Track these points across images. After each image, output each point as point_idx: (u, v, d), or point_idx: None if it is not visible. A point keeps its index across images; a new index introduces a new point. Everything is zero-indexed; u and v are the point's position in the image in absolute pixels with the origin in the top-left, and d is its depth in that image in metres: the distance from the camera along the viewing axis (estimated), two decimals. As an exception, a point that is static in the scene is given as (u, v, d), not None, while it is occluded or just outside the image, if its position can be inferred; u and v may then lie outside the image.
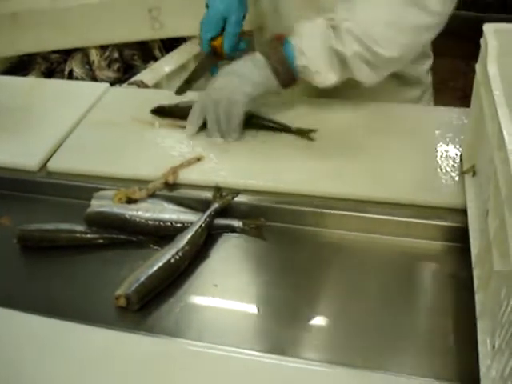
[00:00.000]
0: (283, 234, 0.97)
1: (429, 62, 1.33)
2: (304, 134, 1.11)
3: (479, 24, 1.20)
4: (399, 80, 1.25)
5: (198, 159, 1.06)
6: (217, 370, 0.74)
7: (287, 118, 1.15)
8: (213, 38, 1.18)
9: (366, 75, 1.08)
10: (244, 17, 1.20)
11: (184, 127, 1.14)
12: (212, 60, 1.21)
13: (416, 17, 1.04)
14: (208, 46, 1.19)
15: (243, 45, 1.21)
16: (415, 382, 0.73)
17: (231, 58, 1.17)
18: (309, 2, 1.17)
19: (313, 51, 1.06)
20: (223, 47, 1.17)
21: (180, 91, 1.22)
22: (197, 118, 1.13)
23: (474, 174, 0.92)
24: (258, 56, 1.10)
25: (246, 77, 1.09)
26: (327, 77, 1.07)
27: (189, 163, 1.05)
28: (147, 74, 1.62)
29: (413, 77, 1.29)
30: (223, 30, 1.17)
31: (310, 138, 1.10)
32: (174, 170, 1.03)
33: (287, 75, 1.08)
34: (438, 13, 1.05)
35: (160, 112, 1.21)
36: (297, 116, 1.15)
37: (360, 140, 1.09)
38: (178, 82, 1.66)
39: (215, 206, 0.96)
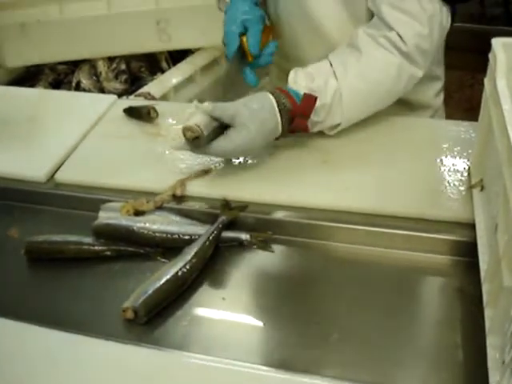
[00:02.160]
0: (291, 247, 0.97)
1: (438, 85, 1.33)
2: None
3: (485, 37, 1.20)
4: (406, 106, 1.25)
5: (206, 172, 1.06)
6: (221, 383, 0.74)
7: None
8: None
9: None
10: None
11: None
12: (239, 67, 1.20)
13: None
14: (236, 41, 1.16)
15: (272, 49, 1.19)
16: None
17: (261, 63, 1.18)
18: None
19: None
20: (249, 47, 1.16)
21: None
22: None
23: (483, 188, 0.92)
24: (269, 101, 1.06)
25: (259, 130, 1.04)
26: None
27: (196, 175, 1.05)
28: (154, 86, 1.62)
29: (420, 102, 1.29)
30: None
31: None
32: (182, 183, 1.03)
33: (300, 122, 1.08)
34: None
35: (130, 112, 1.25)
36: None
37: (368, 153, 1.09)
38: (185, 93, 1.69)
39: (223, 218, 0.96)
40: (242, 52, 1.17)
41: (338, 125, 1.10)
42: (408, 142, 1.12)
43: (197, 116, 1.02)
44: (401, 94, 1.14)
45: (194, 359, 0.78)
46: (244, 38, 1.16)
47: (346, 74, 1.07)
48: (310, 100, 1.05)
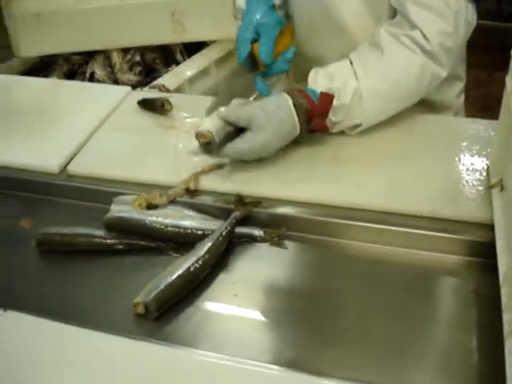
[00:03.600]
0: (304, 245, 0.96)
1: (460, 85, 1.30)
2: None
3: (502, 34, 1.18)
4: (427, 106, 1.22)
5: (220, 166, 1.05)
6: (232, 382, 0.73)
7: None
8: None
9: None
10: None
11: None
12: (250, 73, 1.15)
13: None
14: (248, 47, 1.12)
15: (290, 55, 1.14)
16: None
17: (275, 71, 1.14)
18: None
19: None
20: (261, 56, 1.10)
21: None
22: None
23: (502, 188, 0.90)
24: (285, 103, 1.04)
25: (276, 131, 1.03)
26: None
27: (210, 169, 1.04)
28: (169, 78, 1.61)
29: (441, 102, 1.26)
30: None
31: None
32: (196, 177, 1.02)
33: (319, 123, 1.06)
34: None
35: (144, 104, 1.24)
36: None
37: (383, 150, 1.08)
38: (200, 86, 1.68)
39: (237, 214, 0.95)
40: (253, 59, 1.12)
41: (359, 125, 1.09)
42: (425, 139, 1.10)
43: (210, 120, 1.01)
44: (423, 94, 1.12)
45: (204, 357, 0.76)
46: (256, 46, 1.10)
47: (366, 74, 1.06)
48: (327, 98, 1.04)
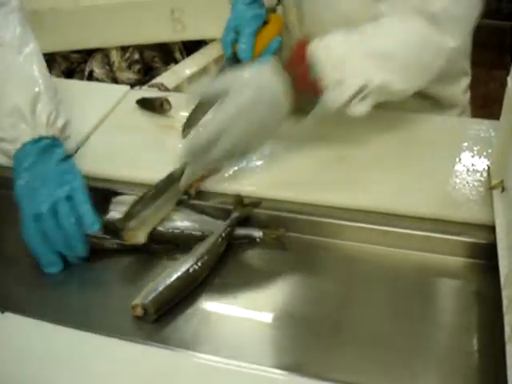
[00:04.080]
0: (305, 246, 0.95)
1: (466, 81, 1.27)
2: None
3: (502, 33, 1.17)
4: (433, 103, 1.21)
5: (218, 169, 1.03)
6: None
7: (314, 127, 1.12)
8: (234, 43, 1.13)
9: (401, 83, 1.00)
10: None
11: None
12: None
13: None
14: (229, 49, 1.13)
15: (275, 45, 1.13)
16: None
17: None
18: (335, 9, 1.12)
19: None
20: (238, 53, 1.11)
21: None
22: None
23: (503, 189, 0.90)
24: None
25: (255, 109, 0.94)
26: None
27: (208, 174, 1.02)
28: (168, 77, 1.61)
29: (448, 98, 1.24)
30: None
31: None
32: (197, 184, 1.01)
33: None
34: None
35: (142, 103, 1.23)
36: (324, 125, 1.13)
37: (385, 151, 1.07)
38: (199, 84, 1.67)
39: (236, 215, 0.94)
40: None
41: (363, 89, 0.97)
42: (426, 140, 1.09)
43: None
44: (429, 69, 1.02)
45: (204, 360, 0.76)
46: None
47: (360, 39, 0.98)
48: (300, 45, 0.96)
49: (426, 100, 1.16)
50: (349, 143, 1.09)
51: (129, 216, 0.92)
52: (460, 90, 1.26)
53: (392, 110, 1.15)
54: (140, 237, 0.91)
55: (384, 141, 1.09)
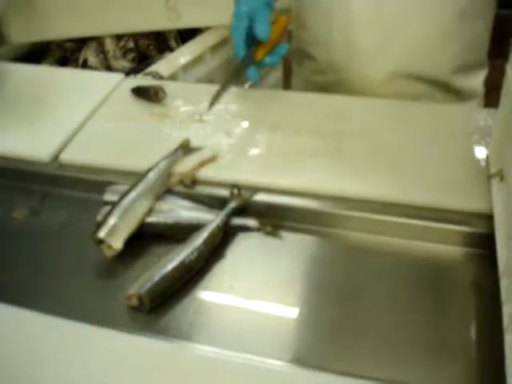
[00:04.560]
0: (301, 235, 0.94)
1: (485, 72, 1.28)
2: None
3: (501, 21, 1.16)
4: (455, 95, 1.21)
5: (214, 157, 1.03)
6: (230, 377, 0.72)
7: (312, 116, 1.12)
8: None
9: None
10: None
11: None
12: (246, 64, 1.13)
13: None
14: (243, 47, 1.11)
15: (284, 49, 1.13)
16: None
17: (269, 63, 1.13)
18: None
19: None
20: (258, 34, 1.08)
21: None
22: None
23: (502, 178, 0.89)
24: None
25: None
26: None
27: (204, 163, 1.02)
28: (163, 65, 1.58)
29: (469, 90, 1.24)
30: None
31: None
32: (192, 173, 0.99)
33: None
34: None
35: (137, 92, 1.22)
36: (322, 114, 1.12)
37: (382, 140, 1.06)
38: (194, 73, 1.66)
39: (232, 204, 0.93)
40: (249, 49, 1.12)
41: None
42: (424, 128, 1.08)
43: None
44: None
45: (200, 350, 0.75)
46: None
47: None
48: None
49: (449, 92, 1.16)
50: (347, 132, 1.08)
51: (98, 227, 0.90)
52: (481, 81, 1.27)
53: (389, 98, 1.15)
54: (115, 246, 0.89)
55: (382, 129, 1.08)
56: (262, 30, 1.08)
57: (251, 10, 1.09)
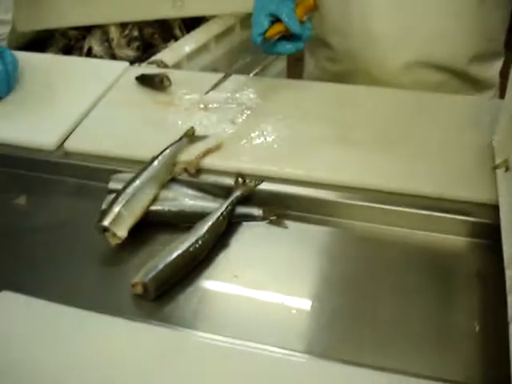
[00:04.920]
0: (306, 224, 0.94)
1: (501, 62, 1.27)
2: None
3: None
4: (472, 84, 1.20)
5: (219, 146, 1.03)
6: (233, 364, 0.72)
7: (318, 104, 1.11)
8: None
9: None
10: None
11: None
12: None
13: None
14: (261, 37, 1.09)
15: (308, 30, 1.10)
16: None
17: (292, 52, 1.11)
18: None
19: None
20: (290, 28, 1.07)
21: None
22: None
23: (507, 169, 0.88)
24: None
25: None
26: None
27: (209, 152, 1.01)
28: (167, 54, 1.58)
29: (486, 79, 1.23)
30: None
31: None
32: (197, 161, 0.99)
33: None
34: None
35: (142, 80, 1.21)
36: (329, 103, 1.12)
37: (388, 130, 1.05)
38: (199, 62, 1.66)
39: (237, 193, 0.93)
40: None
41: None
42: (429, 118, 1.08)
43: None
44: None
45: (204, 338, 0.75)
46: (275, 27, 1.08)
47: None
48: None
49: (466, 81, 1.15)
50: (354, 121, 1.07)
51: (103, 215, 0.90)
52: (496, 70, 1.26)
53: (405, 87, 1.14)
54: (119, 234, 0.89)
55: (388, 120, 1.08)
56: (292, 25, 1.07)
57: (274, 9, 1.08)
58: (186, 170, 0.98)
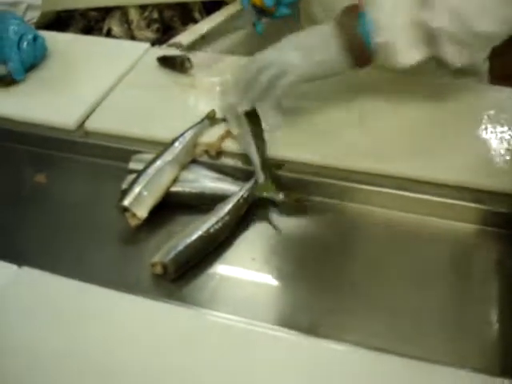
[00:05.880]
0: (326, 210, 0.94)
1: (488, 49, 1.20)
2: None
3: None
4: (456, 69, 1.17)
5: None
6: (250, 346, 0.72)
7: (341, 87, 1.10)
8: None
9: (454, 55, 0.94)
10: None
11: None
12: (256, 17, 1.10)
13: None
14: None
15: None
16: (460, 374, 0.69)
17: (280, 16, 1.09)
18: None
19: (395, 25, 0.91)
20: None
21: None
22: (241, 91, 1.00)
23: None
24: (326, 28, 0.94)
25: (307, 52, 0.93)
26: (409, 55, 0.93)
27: (230, 134, 1.01)
28: (186, 36, 1.57)
29: (471, 65, 1.18)
30: None
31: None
32: (219, 143, 0.99)
33: (362, 54, 0.93)
34: None
35: (163, 61, 1.21)
36: (351, 87, 1.10)
37: (409, 117, 1.04)
38: (217, 45, 1.65)
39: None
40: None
41: None
42: (453, 107, 1.07)
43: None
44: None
45: (222, 319, 0.75)
46: None
47: None
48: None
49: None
50: (373, 108, 1.06)
51: (123, 195, 0.90)
52: (482, 57, 1.23)
53: (417, 76, 1.13)
54: (139, 214, 0.89)
55: (409, 106, 1.06)
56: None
57: None
58: (206, 152, 0.98)
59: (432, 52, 0.94)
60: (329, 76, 0.97)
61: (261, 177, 0.93)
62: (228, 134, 1.01)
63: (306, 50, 0.94)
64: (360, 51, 0.93)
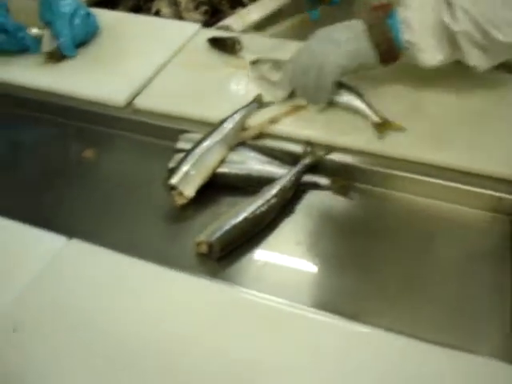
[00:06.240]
0: (370, 197, 0.94)
1: None
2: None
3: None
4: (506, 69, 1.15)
5: (298, 108, 1.02)
6: (288, 327, 0.72)
7: (392, 76, 1.09)
8: None
9: (476, 59, 0.94)
10: None
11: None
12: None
13: None
14: None
15: None
16: (472, 359, 0.68)
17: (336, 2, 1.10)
18: None
19: (422, 25, 0.94)
20: None
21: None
22: (287, 84, 1.03)
23: None
24: (357, 24, 0.97)
25: (341, 45, 0.96)
26: (433, 56, 0.95)
27: (289, 112, 1.01)
28: (235, 20, 1.57)
29: None
30: None
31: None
32: (259, 128, 0.99)
33: (389, 50, 0.96)
34: None
35: (214, 42, 1.22)
36: (402, 76, 1.09)
37: (461, 108, 1.02)
38: (266, 31, 1.64)
39: (306, 161, 0.93)
40: None
41: None
42: (495, 100, 1.04)
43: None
44: None
45: (263, 299, 0.76)
46: None
47: None
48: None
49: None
50: (425, 96, 1.05)
51: (171, 173, 0.91)
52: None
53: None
54: (186, 193, 0.89)
55: (461, 97, 1.05)
56: None
57: None
58: (255, 134, 0.98)
59: (456, 54, 0.95)
60: (362, 69, 0.99)
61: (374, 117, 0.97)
62: (287, 113, 1.01)
63: (337, 42, 0.96)
64: (388, 47, 0.96)
